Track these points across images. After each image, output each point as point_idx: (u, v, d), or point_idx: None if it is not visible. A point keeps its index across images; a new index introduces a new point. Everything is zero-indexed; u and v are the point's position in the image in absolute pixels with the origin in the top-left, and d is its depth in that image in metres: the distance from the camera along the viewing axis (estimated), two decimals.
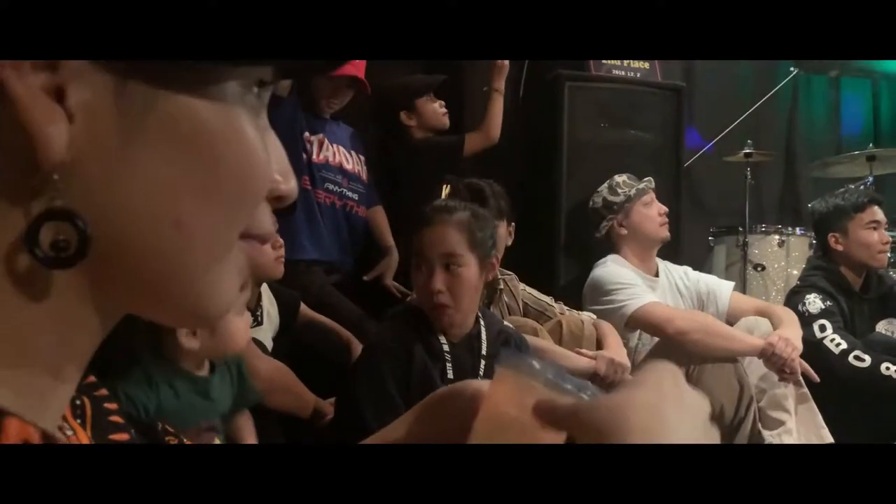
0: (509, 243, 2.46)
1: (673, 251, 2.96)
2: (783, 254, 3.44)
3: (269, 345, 2.06)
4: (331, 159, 2.69)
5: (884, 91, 4.87)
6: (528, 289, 2.50)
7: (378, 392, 1.76)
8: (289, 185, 0.44)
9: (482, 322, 1.89)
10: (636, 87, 3.29)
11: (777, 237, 3.47)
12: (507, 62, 2.91)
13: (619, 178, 2.84)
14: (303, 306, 2.29)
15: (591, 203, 2.87)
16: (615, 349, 2.33)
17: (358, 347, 2.21)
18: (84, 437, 0.44)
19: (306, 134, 2.64)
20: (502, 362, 0.59)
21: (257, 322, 2.05)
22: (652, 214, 2.77)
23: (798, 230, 3.52)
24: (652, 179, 2.85)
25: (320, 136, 2.67)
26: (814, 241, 3.22)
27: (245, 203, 0.42)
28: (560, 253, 3.05)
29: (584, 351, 2.27)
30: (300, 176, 2.58)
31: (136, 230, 0.38)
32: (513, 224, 2.50)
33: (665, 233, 2.79)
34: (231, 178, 0.40)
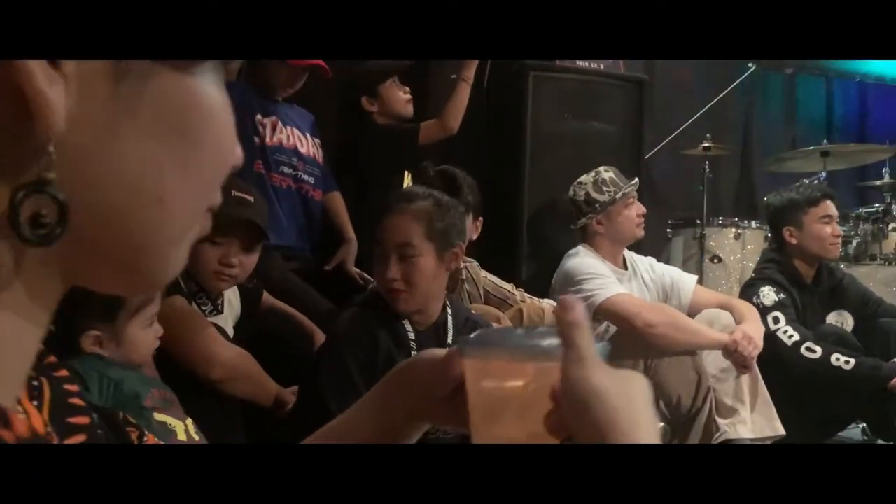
0: (474, 237, 2.46)
1: (634, 243, 2.99)
2: (739, 246, 3.51)
3: (231, 332, 2.03)
4: (285, 142, 2.63)
5: (837, 89, 4.99)
6: (490, 276, 2.51)
7: (342, 381, 1.74)
8: (238, 154, 0.45)
9: (449, 310, 1.88)
10: (599, 79, 3.31)
11: (733, 230, 3.53)
12: None
13: (607, 175, 2.80)
14: (265, 293, 2.25)
15: (571, 193, 2.83)
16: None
17: (321, 335, 2.19)
18: (38, 420, 0.43)
19: (258, 116, 2.57)
20: (463, 354, 0.59)
21: (217, 310, 2.01)
22: (632, 215, 2.79)
23: (753, 223, 3.58)
24: (638, 181, 2.84)
25: (273, 118, 2.60)
26: (768, 235, 3.28)
27: (218, 176, 0.43)
28: (523, 244, 3.06)
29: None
30: (252, 160, 2.52)
31: (123, 203, 0.39)
32: (480, 219, 2.49)
33: (641, 233, 2.82)
34: (210, 154, 0.41)
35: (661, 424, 2.44)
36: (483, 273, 2.50)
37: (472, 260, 2.49)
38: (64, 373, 0.49)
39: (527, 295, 2.51)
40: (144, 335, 1.53)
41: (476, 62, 2.87)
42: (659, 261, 3.01)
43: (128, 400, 1.44)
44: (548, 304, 2.48)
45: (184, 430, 1.52)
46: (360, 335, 1.76)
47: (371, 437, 0.66)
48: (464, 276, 2.41)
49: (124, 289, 0.46)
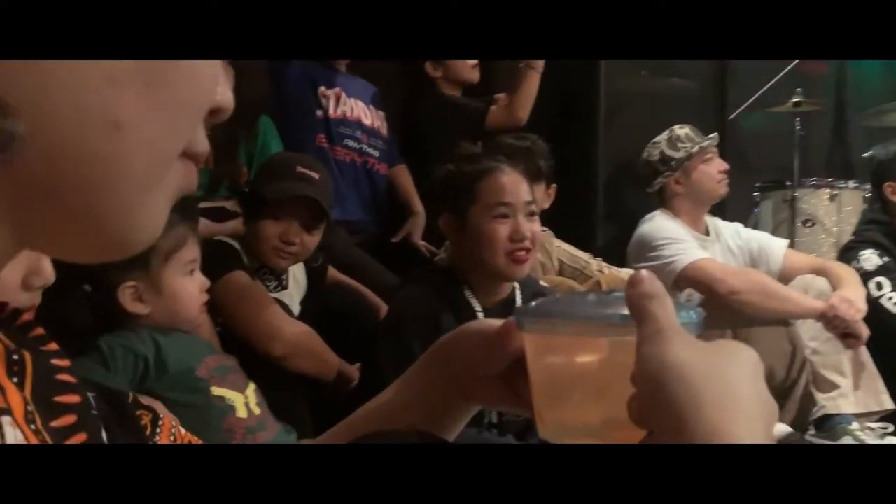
0: (546, 206, 2.32)
1: (717, 208, 2.80)
2: (835, 208, 3.26)
3: (296, 309, 2.00)
4: (349, 114, 2.57)
5: None
6: (564, 245, 2.37)
7: (403, 357, 1.66)
8: (225, 95, 0.38)
9: (516, 284, 1.78)
10: None
11: (828, 191, 3.28)
12: None
13: (681, 131, 2.64)
14: (330, 268, 2.20)
15: (645, 155, 2.67)
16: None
17: (386, 310, 2.12)
18: (16, 397, 0.37)
19: (322, 88, 2.52)
20: (523, 327, 0.50)
21: (282, 286, 1.98)
22: (712, 172, 2.61)
23: (851, 183, 3.31)
24: (717, 136, 2.67)
25: (336, 90, 2.55)
26: (868, 195, 3.05)
27: (191, 112, 0.36)
28: (598, 210, 2.91)
29: None
30: (315, 133, 2.48)
31: (71, 128, 0.32)
32: (553, 186, 2.36)
33: (724, 190, 2.64)
34: (180, 79, 0.34)
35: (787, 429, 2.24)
36: (557, 242, 2.36)
37: (546, 229, 2.36)
38: (53, 346, 0.43)
39: (605, 265, 2.37)
40: (186, 283, 1.44)
41: None
42: (746, 227, 2.82)
43: (178, 376, 1.38)
44: (627, 273, 2.33)
45: (243, 403, 1.46)
46: (422, 311, 1.67)
47: (415, 421, 0.58)
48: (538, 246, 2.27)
49: (87, 250, 0.37)
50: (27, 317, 0.42)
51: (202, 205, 2.17)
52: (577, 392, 0.50)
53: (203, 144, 0.38)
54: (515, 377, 0.53)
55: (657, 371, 0.41)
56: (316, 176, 1.92)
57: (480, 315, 1.70)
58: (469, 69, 2.77)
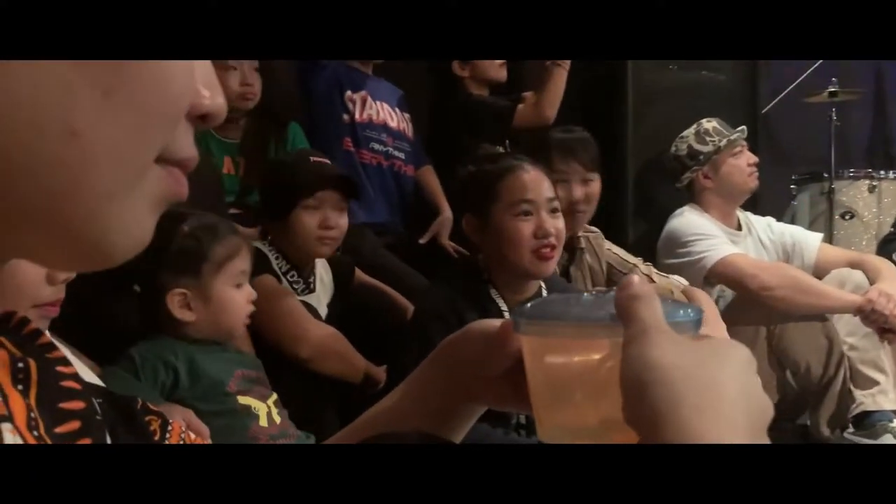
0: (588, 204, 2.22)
1: (751, 202, 2.75)
2: (874, 200, 3.17)
3: (324, 311, 2.00)
4: (374, 118, 2.58)
5: None
6: (615, 248, 2.30)
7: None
8: (215, 101, 0.37)
9: (543, 282, 1.77)
10: None
11: (867, 182, 3.20)
12: None
13: (709, 125, 2.60)
14: (357, 270, 2.21)
15: (673, 149, 2.64)
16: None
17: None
18: (19, 404, 0.37)
19: (348, 93, 2.53)
20: (519, 329, 0.50)
21: (309, 289, 2.00)
22: (741, 165, 2.57)
23: (891, 173, 3.23)
24: (745, 129, 2.62)
25: (363, 93, 2.56)
26: None
27: (159, 119, 0.35)
28: (628, 206, 2.87)
29: None
30: (342, 138, 2.49)
31: (25, 136, 0.31)
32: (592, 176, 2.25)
33: (754, 183, 2.59)
34: (144, 87, 0.33)
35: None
36: (607, 245, 2.29)
37: (596, 229, 2.29)
38: (59, 353, 0.43)
39: (654, 271, 2.28)
40: (234, 294, 1.44)
41: None
42: (783, 221, 2.76)
43: (209, 389, 1.40)
44: (677, 281, 2.25)
45: (266, 412, 1.47)
46: (447, 311, 1.67)
47: (422, 423, 0.58)
48: (583, 246, 2.22)
49: (65, 258, 0.38)
50: (34, 325, 0.43)
51: (232, 210, 2.20)
52: (573, 393, 0.50)
53: (187, 150, 0.37)
54: (519, 377, 0.52)
55: (639, 372, 0.40)
56: (328, 161, 1.98)
57: (506, 314, 1.70)
58: (496, 68, 2.75)
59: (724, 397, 0.39)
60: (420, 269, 2.41)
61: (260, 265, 1.84)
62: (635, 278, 0.44)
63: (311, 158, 1.96)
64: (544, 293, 1.76)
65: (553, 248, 1.66)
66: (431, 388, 0.59)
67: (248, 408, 1.44)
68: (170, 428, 0.53)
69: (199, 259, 1.41)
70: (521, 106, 2.66)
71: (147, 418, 0.51)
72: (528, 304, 0.51)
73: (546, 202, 1.68)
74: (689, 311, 0.46)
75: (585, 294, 0.52)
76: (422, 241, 2.61)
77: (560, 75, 2.61)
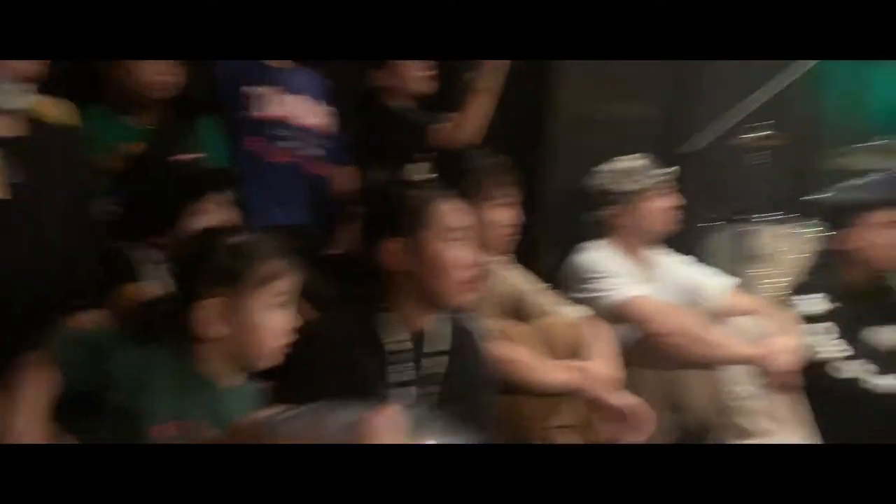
0: (506, 229, 2.16)
1: (665, 240, 2.74)
2: (788, 247, 3.20)
3: None
4: (289, 113, 2.45)
5: None
6: (517, 276, 2.25)
7: (311, 385, 1.59)
8: None
9: (449, 314, 1.72)
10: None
11: (784, 228, 3.23)
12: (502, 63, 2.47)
13: (630, 164, 2.58)
14: None
15: (595, 181, 2.61)
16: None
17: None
18: None
19: (253, 87, 2.41)
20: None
21: None
22: (662, 207, 2.55)
23: (808, 222, 3.26)
24: (669, 171, 2.60)
25: (273, 87, 2.43)
26: (824, 236, 2.99)
27: None
28: (544, 234, 2.82)
29: (568, 363, 1.99)
30: (243, 135, 2.39)
31: None
32: (511, 201, 2.18)
33: (669, 227, 2.57)
34: None
35: None
36: (509, 272, 2.23)
37: (505, 256, 2.22)
38: None
39: (549, 302, 2.22)
40: (273, 318, 1.35)
41: (498, 72, 2.49)
42: (698, 261, 2.75)
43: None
44: (580, 313, 2.19)
45: None
46: (335, 340, 1.60)
47: None
48: (490, 272, 2.15)
49: None
50: None
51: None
52: None
53: None
54: None
55: None
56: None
57: (394, 346, 1.63)
58: (418, 80, 2.66)
59: None
60: (333, 274, 2.32)
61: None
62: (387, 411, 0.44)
63: (176, 158, 1.92)
64: (448, 326, 1.70)
65: (475, 277, 1.65)
66: None
67: None
68: None
69: (243, 265, 1.33)
70: (443, 125, 2.58)
71: None
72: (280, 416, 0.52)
73: (469, 231, 1.66)
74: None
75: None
76: (332, 251, 2.52)
77: (486, 98, 2.53)
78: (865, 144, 3.58)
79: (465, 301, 1.67)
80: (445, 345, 1.68)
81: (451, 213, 1.65)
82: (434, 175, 2.42)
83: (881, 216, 2.57)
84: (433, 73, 2.69)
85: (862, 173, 3.24)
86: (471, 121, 2.52)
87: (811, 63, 3.52)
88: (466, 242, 1.65)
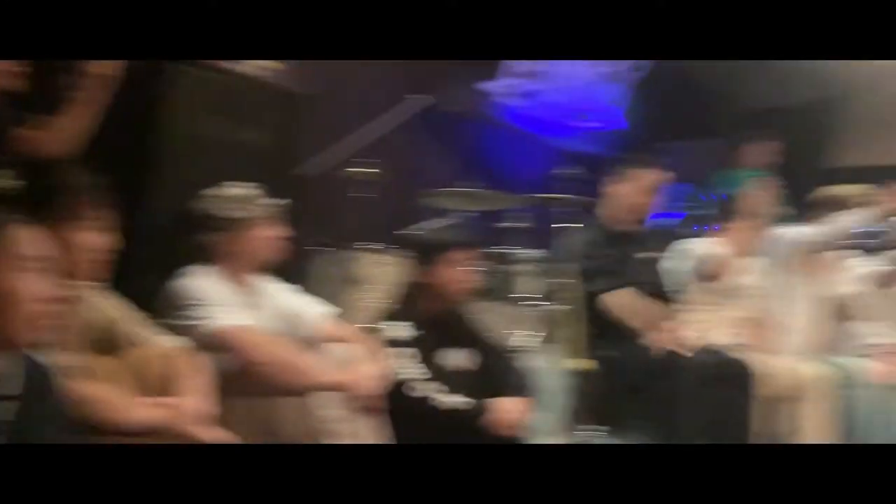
0: (97, 254, 2.04)
1: (268, 266, 2.80)
2: (385, 275, 3.48)
3: None
4: None
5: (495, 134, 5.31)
6: (109, 304, 2.11)
7: None
8: None
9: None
10: (251, 85, 3.10)
11: (380, 257, 3.51)
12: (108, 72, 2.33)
13: (245, 191, 2.59)
14: None
15: (200, 206, 2.57)
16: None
17: None
18: None
19: None
20: None
21: None
22: (270, 236, 2.59)
23: (401, 253, 3.58)
24: (274, 201, 2.64)
25: None
26: (412, 267, 3.29)
27: None
28: (144, 264, 2.67)
29: (156, 400, 1.93)
30: None
31: None
32: (104, 224, 2.06)
33: (273, 256, 2.62)
34: None
35: None
36: (103, 300, 2.09)
37: (98, 282, 2.08)
38: None
39: (138, 332, 2.12)
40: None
41: (110, 80, 2.35)
42: (299, 286, 2.85)
43: None
44: (172, 344, 2.13)
45: None
46: None
47: None
48: (74, 301, 1.98)
49: None
50: None
51: None
52: None
53: None
54: None
55: None
56: None
57: None
58: (3, 74, 2.35)
59: None
60: None
61: None
62: None
63: None
64: (13, 365, 1.54)
65: (56, 312, 1.54)
66: None
67: None
68: None
69: None
70: (35, 131, 2.33)
71: None
72: None
73: (46, 260, 1.53)
74: None
75: None
76: None
77: (85, 109, 2.36)
78: (450, 189, 4.06)
79: (40, 337, 1.54)
80: (17, 388, 1.53)
81: (26, 239, 1.51)
82: (15, 185, 2.19)
83: (456, 255, 2.93)
84: (25, 69, 2.41)
85: (446, 214, 3.68)
86: (67, 131, 2.33)
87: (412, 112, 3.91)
88: (44, 272, 1.52)
